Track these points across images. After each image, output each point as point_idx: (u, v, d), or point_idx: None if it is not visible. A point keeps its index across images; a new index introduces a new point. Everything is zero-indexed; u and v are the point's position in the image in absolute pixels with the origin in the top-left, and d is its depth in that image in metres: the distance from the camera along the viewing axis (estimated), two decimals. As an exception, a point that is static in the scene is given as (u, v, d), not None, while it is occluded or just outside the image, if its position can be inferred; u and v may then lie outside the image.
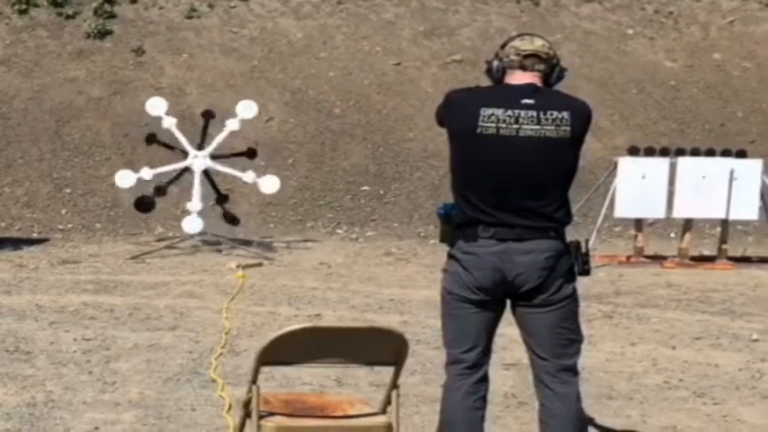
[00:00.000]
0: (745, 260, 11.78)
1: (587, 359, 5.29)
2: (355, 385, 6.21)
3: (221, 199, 12.01)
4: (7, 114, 14.19)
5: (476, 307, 4.22)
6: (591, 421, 5.13)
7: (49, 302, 8.62)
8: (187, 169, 11.80)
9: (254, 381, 4.07)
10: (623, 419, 5.85)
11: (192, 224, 11.46)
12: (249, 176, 11.68)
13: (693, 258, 11.53)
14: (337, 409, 4.29)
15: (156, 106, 11.87)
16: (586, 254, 4.29)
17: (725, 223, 11.55)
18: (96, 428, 5.49)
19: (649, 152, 11.56)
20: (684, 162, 11.37)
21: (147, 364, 6.76)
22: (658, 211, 11.49)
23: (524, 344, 4.35)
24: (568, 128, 4.17)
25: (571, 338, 4.27)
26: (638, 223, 11.65)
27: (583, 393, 4.36)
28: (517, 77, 4.25)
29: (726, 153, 11.57)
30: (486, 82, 4.42)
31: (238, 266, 10.44)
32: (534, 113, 4.15)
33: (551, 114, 4.15)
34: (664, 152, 11.58)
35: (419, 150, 14.19)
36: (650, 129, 14.93)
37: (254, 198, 13.14)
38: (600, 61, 15.98)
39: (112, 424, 5.55)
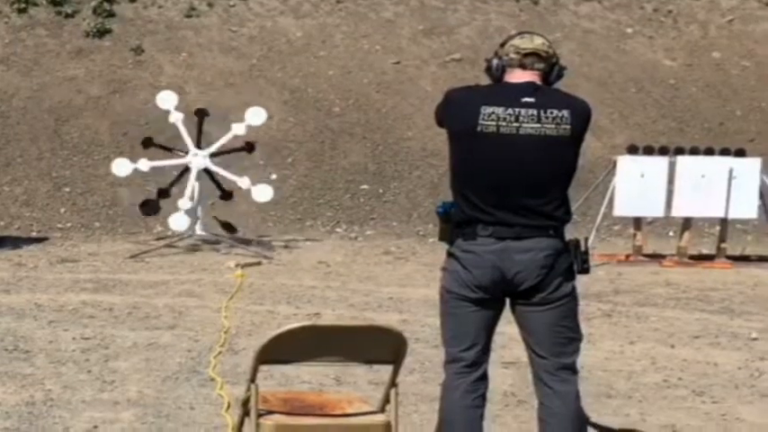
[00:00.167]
0: (743, 259, 11.78)
1: (586, 358, 5.28)
2: (354, 384, 6.21)
3: (225, 196, 11.99)
4: (6, 113, 14.19)
5: (475, 305, 4.23)
6: (589, 420, 5.13)
7: (48, 301, 8.62)
8: (187, 169, 11.80)
9: (252, 379, 4.07)
10: (622, 418, 5.86)
11: (178, 221, 11.46)
12: (244, 182, 11.68)
13: (692, 257, 11.53)
14: (336, 407, 4.29)
15: (167, 100, 11.88)
16: (586, 252, 4.30)
17: (724, 222, 11.55)
18: (95, 427, 5.49)
19: (648, 151, 11.56)
20: (683, 161, 11.37)
21: (146, 362, 6.76)
22: (657, 210, 11.49)
23: (523, 342, 4.35)
24: (568, 126, 4.17)
25: (570, 337, 4.27)
26: (637, 222, 11.65)
27: (582, 392, 4.36)
28: (517, 76, 4.25)
29: (725, 152, 11.57)
30: (485, 81, 4.42)
31: (237, 265, 10.44)
32: (534, 112, 4.15)
33: (551, 113, 4.15)
34: (663, 151, 11.58)
35: (418, 149, 14.19)
36: (649, 127, 14.93)
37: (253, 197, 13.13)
38: (599, 60, 15.98)
39: (111, 423, 5.55)
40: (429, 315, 7.60)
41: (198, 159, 11.71)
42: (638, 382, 6.60)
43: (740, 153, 11.57)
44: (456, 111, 4.26)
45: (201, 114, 12.09)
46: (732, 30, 16.81)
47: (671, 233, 12.78)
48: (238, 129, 11.85)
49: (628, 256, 11.49)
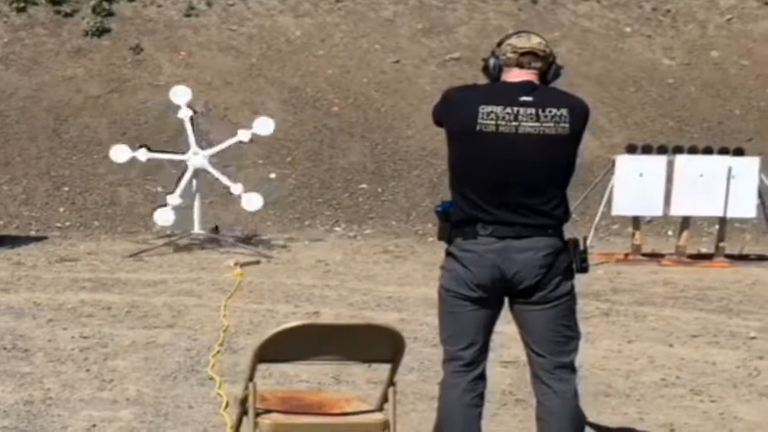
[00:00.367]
0: (742, 258, 11.78)
1: (585, 356, 5.29)
2: (353, 383, 6.21)
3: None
4: (5, 112, 14.18)
5: (473, 304, 4.23)
6: (587, 419, 5.13)
7: (47, 300, 8.62)
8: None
9: (250, 378, 4.08)
10: (620, 417, 5.86)
11: (163, 216, 11.47)
12: (237, 188, 11.66)
13: (691, 256, 11.53)
14: (334, 406, 4.29)
15: (181, 95, 11.86)
16: (584, 251, 4.30)
17: (722, 221, 11.55)
18: (94, 426, 5.49)
19: (647, 150, 11.56)
20: (682, 160, 11.37)
21: (144, 361, 6.77)
22: (656, 209, 11.49)
23: (522, 341, 4.36)
24: (567, 125, 4.18)
25: (568, 336, 4.28)
26: (636, 221, 11.65)
27: (580, 391, 4.36)
28: (514, 75, 4.26)
29: (723, 151, 11.58)
30: (484, 80, 4.42)
31: (236, 264, 10.44)
32: (533, 111, 4.16)
33: (550, 111, 4.16)
34: (661, 150, 11.58)
35: (417, 148, 14.19)
36: (648, 127, 14.93)
37: (252, 196, 13.13)
38: (598, 59, 15.98)
39: (110, 421, 5.56)
40: (428, 314, 7.60)
41: (197, 159, 11.70)
42: (637, 381, 6.60)
43: (739, 152, 11.58)
44: (454, 110, 4.26)
45: (192, 114, 11.98)
46: (731, 29, 16.81)
47: (669, 232, 12.78)
48: (244, 135, 11.82)
49: (626, 255, 11.49)
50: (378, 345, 4.16)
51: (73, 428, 5.45)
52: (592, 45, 16.23)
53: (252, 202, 11.66)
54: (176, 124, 12.13)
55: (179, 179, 11.80)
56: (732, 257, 11.60)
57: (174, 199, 11.47)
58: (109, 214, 13.01)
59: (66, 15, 15.55)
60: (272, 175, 13.55)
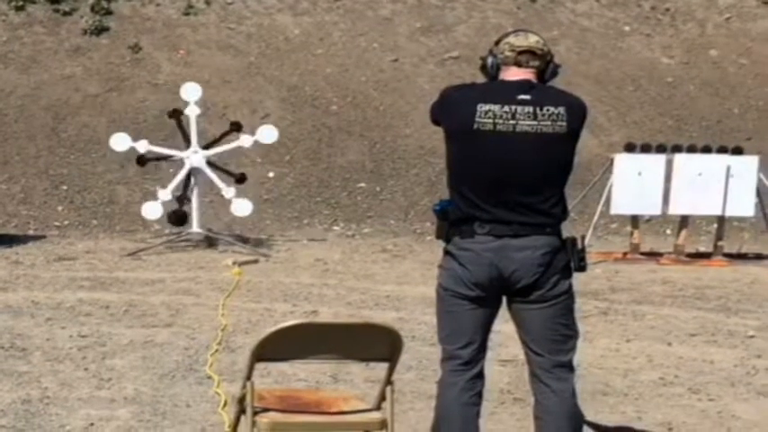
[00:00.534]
0: (740, 257, 11.79)
1: (583, 355, 5.29)
2: (351, 381, 6.21)
3: (240, 179, 11.91)
4: (4, 111, 14.18)
5: (471, 303, 4.23)
6: (585, 418, 5.13)
7: (45, 299, 8.62)
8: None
9: (248, 377, 4.07)
10: (618, 416, 5.86)
11: (150, 210, 11.47)
12: (229, 192, 11.66)
13: (689, 255, 11.54)
14: (332, 405, 4.29)
15: (191, 92, 11.85)
16: (582, 250, 4.29)
17: (721, 220, 11.56)
18: (91, 425, 5.49)
19: (646, 149, 11.56)
20: (681, 159, 11.38)
21: (142, 360, 6.76)
22: (654, 208, 11.50)
23: (520, 340, 4.35)
24: (564, 123, 4.17)
25: (567, 334, 4.27)
26: (635, 220, 11.65)
27: (578, 389, 4.36)
28: (512, 74, 4.26)
29: (722, 150, 11.58)
30: (482, 79, 4.42)
31: (234, 263, 10.45)
32: (531, 109, 4.15)
33: (548, 110, 4.16)
34: (660, 149, 11.59)
35: (416, 147, 14.19)
36: (647, 125, 14.94)
37: (250, 194, 13.13)
38: (596, 58, 15.99)
39: (108, 420, 5.55)
40: (426, 313, 7.60)
41: (196, 157, 11.69)
42: (635, 380, 6.60)
43: (737, 151, 11.59)
44: (452, 109, 4.26)
45: (177, 115, 11.94)
46: (730, 28, 16.82)
47: (668, 231, 12.79)
48: (246, 141, 11.81)
49: (625, 254, 11.50)
50: (376, 344, 4.16)
51: (71, 427, 5.45)
52: (591, 44, 16.24)
53: (241, 207, 11.65)
54: (174, 126, 12.12)
55: (185, 186, 11.80)
56: (730, 256, 11.61)
57: (165, 194, 11.47)
58: (107, 213, 13.01)
59: (65, 14, 15.55)
60: (271, 174, 13.55)
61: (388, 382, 4.21)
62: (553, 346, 4.25)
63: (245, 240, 11.89)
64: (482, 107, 4.16)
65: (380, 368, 4.29)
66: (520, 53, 4.24)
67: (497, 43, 4.33)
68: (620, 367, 6.90)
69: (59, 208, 13.06)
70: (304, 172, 13.86)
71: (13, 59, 14.92)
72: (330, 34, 15.88)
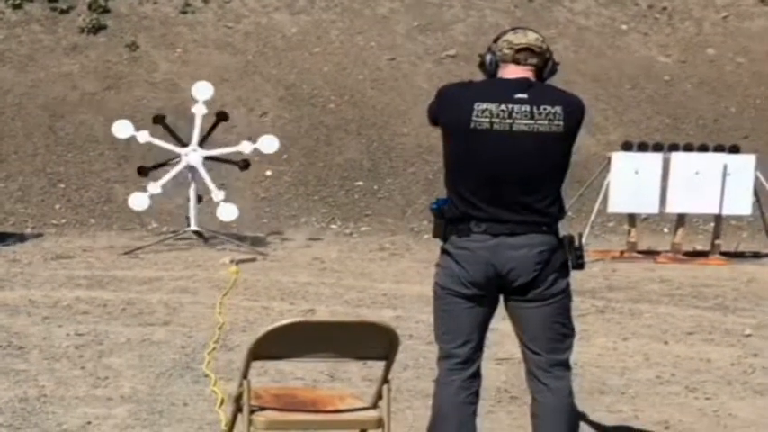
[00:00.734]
0: (737, 255, 11.80)
1: (580, 354, 5.30)
2: (348, 380, 6.21)
3: (244, 165, 11.87)
4: (1, 109, 14.17)
5: (468, 302, 4.22)
6: (583, 416, 5.13)
7: (43, 297, 8.62)
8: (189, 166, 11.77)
9: (245, 375, 4.07)
10: (615, 414, 5.86)
11: (137, 201, 11.48)
12: (219, 195, 11.65)
13: (686, 253, 11.55)
14: (328, 403, 4.29)
15: (203, 91, 11.84)
16: (580, 248, 4.29)
17: (718, 218, 11.57)
18: (89, 423, 5.49)
19: (643, 147, 11.57)
20: (678, 157, 11.39)
21: (139, 359, 6.77)
22: (651, 207, 11.51)
23: (517, 338, 4.35)
24: (561, 122, 4.17)
25: (564, 333, 4.27)
26: (632, 218, 11.66)
27: (575, 388, 4.36)
28: (510, 72, 4.25)
29: (719, 148, 11.59)
30: (480, 77, 4.42)
31: (232, 261, 10.45)
32: (528, 108, 4.15)
33: (544, 109, 4.15)
34: (657, 147, 11.59)
35: (413, 146, 14.19)
36: (644, 124, 14.94)
37: (248, 192, 13.15)
38: (594, 57, 15.99)
39: (105, 419, 5.55)
40: (423, 311, 7.60)
41: (194, 155, 11.68)
42: (632, 379, 6.61)
43: (734, 150, 11.59)
44: (450, 107, 4.25)
45: (161, 120, 11.90)
46: (726, 26, 16.82)
47: (665, 230, 12.79)
48: (246, 147, 11.78)
49: (622, 253, 11.51)
50: (373, 342, 4.16)
51: (68, 426, 5.45)
52: (588, 42, 16.24)
53: (227, 212, 11.63)
54: (171, 122, 12.11)
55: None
56: (727, 255, 11.62)
57: (155, 187, 11.48)
58: (105, 211, 13.01)
59: (62, 12, 15.54)
60: (268, 173, 13.55)
61: (385, 380, 4.21)
62: (550, 345, 4.25)
63: (242, 239, 11.89)
64: (479, 106, 4.16)
65: (377, 367, 4.29)
66: (518, 51, 4.24)
67: (496, 40, 4.32)
68: (617, 366, 6.91)
69: (57, 206, 13.05)
70: (301, 170, 13.86)
71: (11, 57, 14.91)
72: (327, 33, 15.88)
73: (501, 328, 4.72)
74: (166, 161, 11.90)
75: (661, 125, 14.94)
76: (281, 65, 15.26)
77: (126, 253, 11.00)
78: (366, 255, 11.42)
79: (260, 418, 4.06)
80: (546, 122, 4.15)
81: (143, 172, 11.72)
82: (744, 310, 8.90)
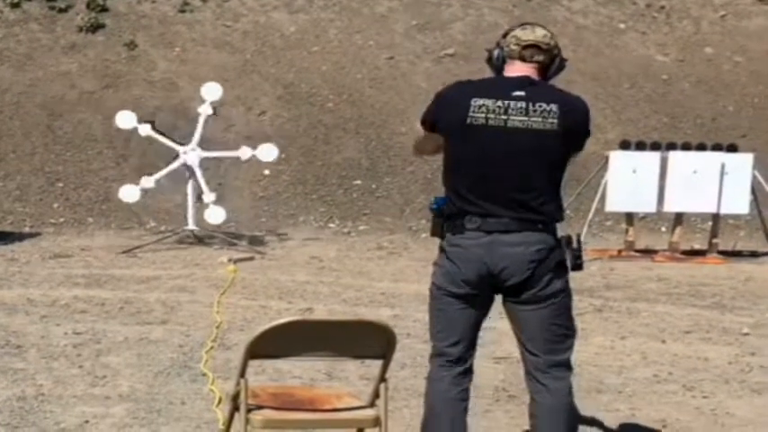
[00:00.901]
0: (735, 254, 11.81)
1: (577, 353, 5.27)
2: (345, 379, 6.22)
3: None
4: (-1, 108, 14.18)
5: (461, 302, 4.22)
6: (581, 416, 5.14)
7: (41, 296, 8.62)
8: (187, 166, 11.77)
9: (242, 374, 4.08)
10: (613, 413, 5.87)
11: (128, 193, 11.50)
12: (210, 197, 11.64)
13: (684, 252, 11.55)
14: (325, 402, 4.30)
15: (212, 92, 11.84)
16: (578, 249, 4.27)
17: (716, 217, 11.57)
18: (86, 422, 5.49)
19: (640, 146, 11.57)
20: (675, 156, 11.39)
21: (137, 357, 6.77)
22: (649, 206, 11.51)
23: (516, 337, 4.35)
24: (555, 120, 4.16)
25: (564, 334, 4.25)
26: (629, 217, 11.66)
27: (574, 387, 4.36)
28: (516, 69, 4.25)
29: (717, 147, 11.59)
30: (478, 76, 4.42)
31: (230, 260, 10.45)
32: (523, 104, 4.15)
33: (540, 106, 4.15)
34: (655, 146, 11.59)
35: (412, 145, 14.17)
36: (642, 123, 14.94)
37: (246, 192, 13.15)
38: (592, 56, 15.99)
39: (103, 418, 5.56)
40: (421, 310, 7.55)
41: (192, 155, 11.67)
42: (629, 378, 6.61)
43: (732, 148, 11.59)
44: (448, 107, 4.26)
45: (151, 125, 11.90)
46: (725, 25, 16.83)
47: (663, 228, 12.80)
48: (244, 154, 11.77)
49: (620, 252, 11.51)
50: (370, 341, 4.16)
51: (65, 424, 5.45)
52: (586, 41, 16.24)
53: (215, 214, 11.62)
54: (169, 121, 12.11)
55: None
56: (725, 254, 11.63)
57: (148, 181, 11.48)
58: (103, 210, 13.01)
59: (61, 11, 15.54)
60: (267, 171, 13.55)
61: (382, 379, 4.22)
62: (550, 347, 4.24)
63: (240, 237, 11.89)
64: (476, 102, 4.17)
65: (375, 365, 4.29)
66: (525, 47, 4.24)
67: (505, 36, 4.32)
68: (615, 364, 6.92)
69: (55, 205, 13.05)
70: (300, 169, 13.86)
71: (9, 56, 14.90)
72: (326, 32, 15.88)
73: (499, 327, 4.73)
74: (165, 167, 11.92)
75: (659, 124, 14.95)
76: (280, 64, 15.26)
77: (124, 252, 11.00)
78: (364, 254, 11.43)
79: (257, 416, 4.07)
80: (540, 119, 4.14)
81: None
82: (741, 308, 8.91)
